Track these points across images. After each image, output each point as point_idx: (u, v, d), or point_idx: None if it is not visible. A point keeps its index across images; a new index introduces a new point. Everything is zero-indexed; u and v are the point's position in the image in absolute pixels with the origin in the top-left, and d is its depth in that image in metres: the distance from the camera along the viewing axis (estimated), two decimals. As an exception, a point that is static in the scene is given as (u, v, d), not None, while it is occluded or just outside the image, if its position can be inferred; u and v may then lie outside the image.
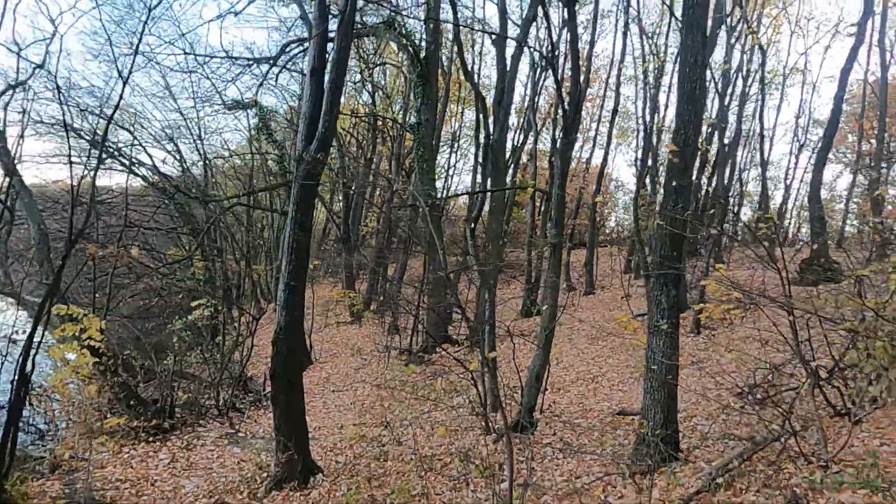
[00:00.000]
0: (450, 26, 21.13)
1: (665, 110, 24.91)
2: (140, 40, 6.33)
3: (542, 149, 28.63)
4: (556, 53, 10.77)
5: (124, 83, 5.80)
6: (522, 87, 33.10)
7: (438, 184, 24.54)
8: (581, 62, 9.12)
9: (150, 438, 8.91)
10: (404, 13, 14.81)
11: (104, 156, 14.66)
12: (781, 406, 6.45)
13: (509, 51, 15.49)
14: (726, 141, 22.24)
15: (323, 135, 7.26)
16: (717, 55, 22.33)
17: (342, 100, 9.54)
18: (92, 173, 7.74)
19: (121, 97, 6.39)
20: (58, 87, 8.20)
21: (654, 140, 22.91)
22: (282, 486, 7.01)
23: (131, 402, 9.25)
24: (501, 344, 12.38)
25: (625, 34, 21.89)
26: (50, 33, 14.53)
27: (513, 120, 23.56)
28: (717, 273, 14.53)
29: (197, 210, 19.79)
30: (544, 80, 25.79)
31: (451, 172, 30.08)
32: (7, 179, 10.16)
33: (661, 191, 7.08)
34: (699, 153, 19.32)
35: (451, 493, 6.49)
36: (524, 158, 26.90)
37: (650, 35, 24.51)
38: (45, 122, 15.58)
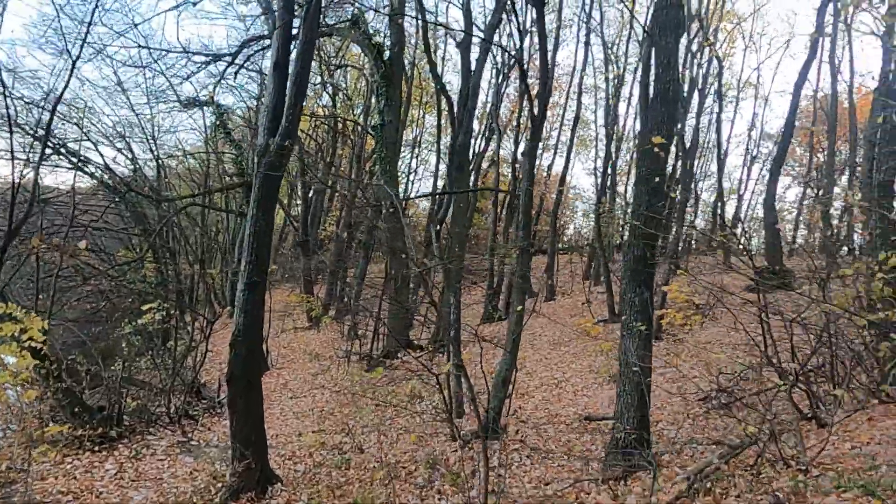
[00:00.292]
0: (412, 30, 21.07)
1: (624, 120, 25.30)
2: (90, 24, 5.95)
3: (503, 155, 28.73)
4: (523, 51, 10.66)
5: (73, 66, 5.43)
6: (484, 94, 33.22)
7: (399, 189, 24.33)
8: (549, 61, 9.04)
9: (96, 448, 8.40)
10: (369, 8, 14.56)
11: (49, 151, 13.96)
12: (756, 410, 6.43)
13: (474, 55, 15.46)
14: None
15: (286, 129, 6.98)
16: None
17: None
18: (35, 168, 7.27)
19: (67, 84, 5.99)
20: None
21: (614, 148, 23.20)
22: (238, 496, 6.64)
23: (76, 410, 8.72)
24: (465, 349, 12.22)
25: (587, 44, 22.11)
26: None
27: (474, 126, 23.55)
28: (680, 278, 14.67)
29: (149, 210, 19.09)
30: (506, 87, 25.92)
31: (411, 178, 29.85)
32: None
33: (633, 192, 7.03)
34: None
35: (417, 501, 6.26)
36: (485, 165, 26.91)
37: (610, 45, 24.85)
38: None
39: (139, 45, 13.52)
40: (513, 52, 13.77)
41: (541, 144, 28.76)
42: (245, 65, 17.60)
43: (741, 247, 8.27)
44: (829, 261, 7.97)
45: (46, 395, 8.37)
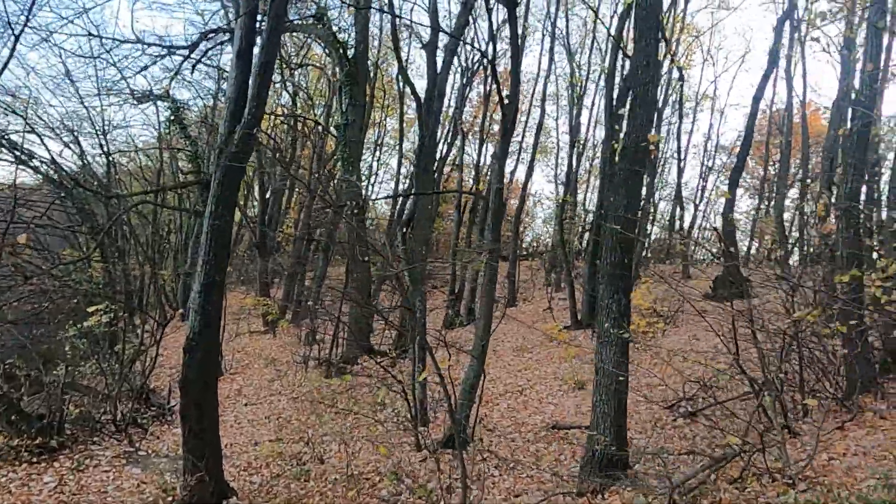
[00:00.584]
0: (375, 30, 20.76)
1: (586, 129, 25.45)
2: (33, 2, 5.48)
3: (466, 161, 28.58)
4: (495, 52, 10.49)
5: (15, 42, 4.97)
6: (447, 98, 33.02)
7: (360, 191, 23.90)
8: (520, 62, 8.87)
9: (34, 459, 7.79)
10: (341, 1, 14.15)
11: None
12: (727, 418, 6.32)
13: (439, 57, 15.21)
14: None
15: (249, 120, 6.61)
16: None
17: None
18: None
19: (6, 64, 5.51)
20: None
21: (576, 157, 23.30)
22: (190, 511, 6.23)
23: (12, 418, 8.10)
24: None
25: (551, 50, 22.18)
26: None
27: (437, 130, 23.29)
28: (643, 286, 14.71)
29: (98, 208, 18.25)
30: (469, 91, 25.80)
31: (372, 181, 29.46)
32: None
33: (610, 196, 6.89)
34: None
35: (383, 516, 5.95)
36: (447, 169, 26.71)
37: (573, 53, 24.99)
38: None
39: (90, 34, 12.84)
40: (483, 52, 13.58)
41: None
42: (202, 59, 17.00)
43: (714, 254, 8.22)
44: (798, 270, 7.96)
45: (-20, 401, 7.76)
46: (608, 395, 5.49)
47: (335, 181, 17.45)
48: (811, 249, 14.28)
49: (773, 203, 23.20)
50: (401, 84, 25.76)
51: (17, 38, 5.09)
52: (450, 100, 25.87)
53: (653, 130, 6.01)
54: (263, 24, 7.41)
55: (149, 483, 7.37)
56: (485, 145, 25.28)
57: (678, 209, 27.49)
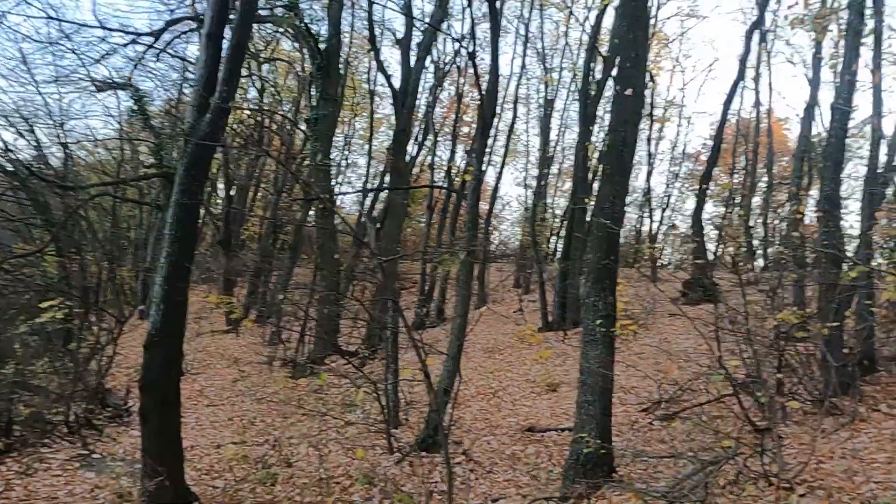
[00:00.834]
0: (346, 27, 20.35)
1: (556, 132, 25.48)
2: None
3: (437, 163, 28.36)
4: (475, 42, 10.29)
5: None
6: (417, 101, 32.70)
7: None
8: (498, 56, 8.68)
9: (-22, 462, 7.32)
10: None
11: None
12: (701, 420, 6.20)
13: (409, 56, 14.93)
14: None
15: (220, 104, 6.26)
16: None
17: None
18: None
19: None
20: None
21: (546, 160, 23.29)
22: (149, 518, 5.84)
23: (-45, 418, 7.60)
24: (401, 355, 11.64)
25: (524, 51, 22.10)
26: None
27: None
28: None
29: (53, 200, 17.49)
30: (441, 91, 25.56)
31: (340, 181, 28.96)
32: None
33: (597, 191, 6.73)
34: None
35: (356, 522, 5.67)
36: (415, 170, 26.43)
37: (543, 58, 24.97)
38: None
39: (48, 16, 12.25)
40: (462, 43, 13.33)
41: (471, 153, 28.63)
42: (167, 49, 16.42)
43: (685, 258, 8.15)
44: (779, 272, 7.94)
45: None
46: (594, 395, 5.31)
47: (304, 175, 17.06)
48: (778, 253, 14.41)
49: (739, 209, 23.50)
50: (371, 83, 25.49)
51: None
52: (420, 100, 25.64)
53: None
54: (234, 8, 7.10)
55: (103, 488, 6.94)
56: (456, 146, 25.04)
57: (646, 214, 27.78)
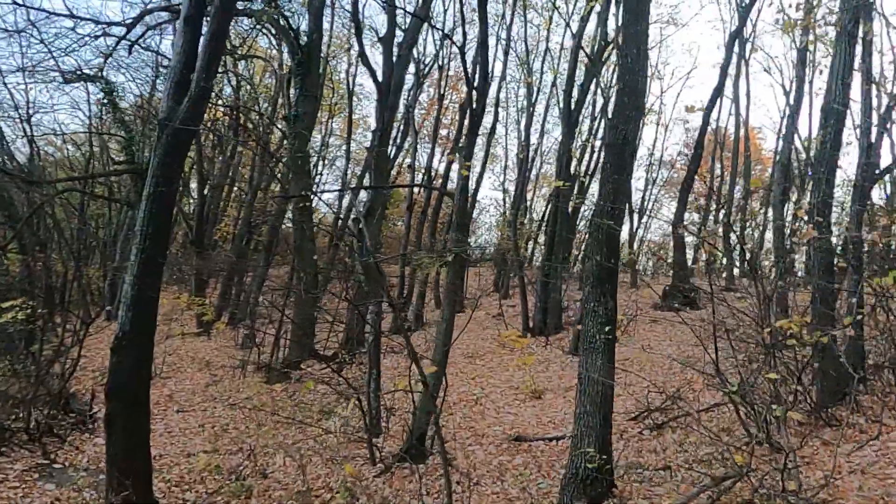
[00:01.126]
0: (326, 24, 19.92)
1: (537, 136, 25.34)
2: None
3: (417, 165, 28.05)
4: (465, 36, 10.02)
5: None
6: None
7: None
8: (488, 51, 8.44)
9: (-72, 473, 6.80)
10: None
11: None
12: (692, 429, 5.98)
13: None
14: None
15: (198, 94, 5.89)
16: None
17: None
18: None
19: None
20: None
21: (528, 164, 23.14)
22: (113, 534, 5.43)
23: None
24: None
25: (505, 54, 21.93)
26: None
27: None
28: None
29: (18, 196, 16.82)
30: (420, 93, 25.27)
31: (318, 181, 28.48)
32: None
33: (597, 191, 6.48)
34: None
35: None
36: (393, 172, 26.08)
37: (522, 62, 24.86)
38: None
39: (15, 3, 11.70)
40: (449, 36, 13.05)
41: (450, 157, 28.36)
42: (140, 41, 15.88)
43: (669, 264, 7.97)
44: (774, 280, 7.77)
45: None
46: (593, 405, 5.04)
47: (281, 173, 16.62)
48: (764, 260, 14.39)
49: (724, 217, 23.53)
50: (350, 82, 25.12)
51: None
52: (398, 101, 25.26)
53: (641, 125, 5.62)
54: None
55: (64, 500, 6.50)
56: (435, 148, 24.77)
57: (631, 220, 27.78)
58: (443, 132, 28.41)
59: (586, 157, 21.67)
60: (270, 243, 18.48)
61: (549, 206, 18.77)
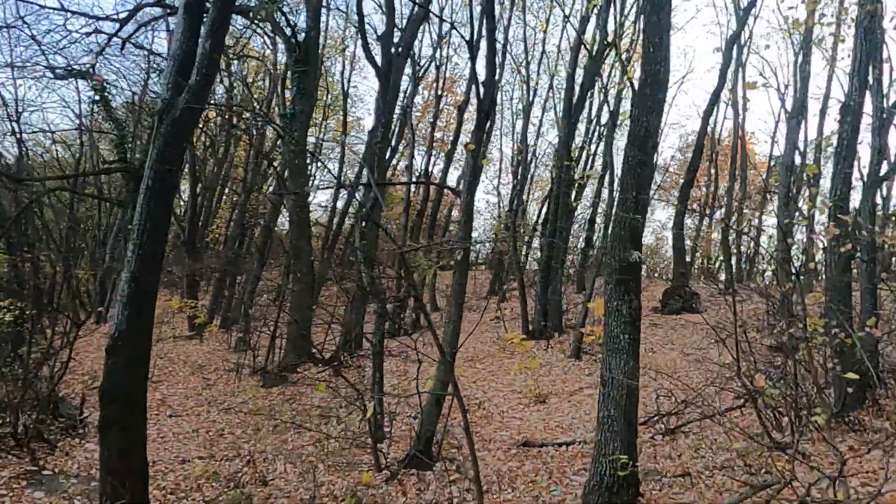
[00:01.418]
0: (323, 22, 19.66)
1: (535, 137, 25.23)
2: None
3: (404, 167, 27.79)
4: (473, 29, 9.79)
5: None
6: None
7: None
8: (496, 43, 8.24)
9: (-90, 480, 6.47)
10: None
11: None
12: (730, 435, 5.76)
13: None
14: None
15: (199, 83, 5.63)
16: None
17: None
18: None
19: None
20: None
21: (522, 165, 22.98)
22: (107, 546, 5.13)
23: None
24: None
25: (503, 55, 21.72)
26: None
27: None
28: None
29: (5, 196, 16.44)
30: (415, 96, 25.07)
31: (312, 182, 28.19)
32: None
33: (617, 186, 6.26)
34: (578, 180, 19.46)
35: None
36: (388, 174, 25.83)
37: (519, 64, 24.73)
38: None
39: (4, -5, 11.36)
40: (454, 27, 12.77)
41: (445, 159, 28.15)
42: (133, 37, 15.56)
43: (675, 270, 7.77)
44: (795, 282, 7.58)
45: None
46: (618, 409, 4.80)
47: (276, 172, 16.32)
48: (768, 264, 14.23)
49: (734, 222, 23.48)
50: (344, 84, 24.86)
51: None
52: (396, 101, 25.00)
53: (664, 117, 5.41)
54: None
55: (54, 510, 6.19)
56: (433, 153, 24.58)
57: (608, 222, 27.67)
58: (437, 135, 28.26)
59: (583, 157, 21.59)
60: (264, 244, 18.18)
61: (548, 203, 18.54)
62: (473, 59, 8.29)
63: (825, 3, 9.58)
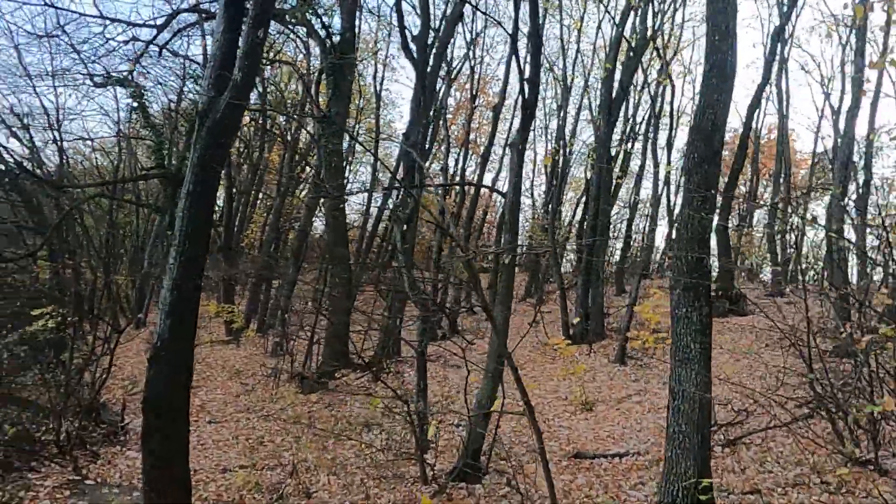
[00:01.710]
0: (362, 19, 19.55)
1: (569, 135, 24.83)
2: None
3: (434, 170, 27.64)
4: (516, 24, 9.54)
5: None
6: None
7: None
8: (540, 39, 7.96)
9: (-45, 490, 6.41)
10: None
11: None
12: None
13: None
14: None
15: (240, 82, 5.45)
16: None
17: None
18: None
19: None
20: None
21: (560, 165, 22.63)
22: (151, 562, 4.97)
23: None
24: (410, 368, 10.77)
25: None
26: None
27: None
28: (652, 300, 13.81)
29: (47, 203, 16.64)
30: (448, 98, 24.89)
31: (347, 185, 28.18)
32: None
33: (682, 187, 5.91)
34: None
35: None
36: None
37: (551, 64, 24.40)
38: None
39: (46, 3, 11.44)
40: (499, 23, 12.50)
41: (475, 158, 27.88)
42: (170, 43, 15.63)
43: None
44: (862, 286, 7.12)
45: None
46: (690, 424, 4.47)
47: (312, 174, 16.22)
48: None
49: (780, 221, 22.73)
50: (377, 87, 24.76)
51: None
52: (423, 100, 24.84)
53: (730, 108, 5.06)
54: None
55: (98, 521, 6.07)
56: (470, 155, 24.35)
57: (653, 224, 27.18)
58: (471, 136, 28.03)
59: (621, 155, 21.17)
60: (299, 248, 18.12)
61: (585, 203, 18.13)
62: (516, 51, 8.02)
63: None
